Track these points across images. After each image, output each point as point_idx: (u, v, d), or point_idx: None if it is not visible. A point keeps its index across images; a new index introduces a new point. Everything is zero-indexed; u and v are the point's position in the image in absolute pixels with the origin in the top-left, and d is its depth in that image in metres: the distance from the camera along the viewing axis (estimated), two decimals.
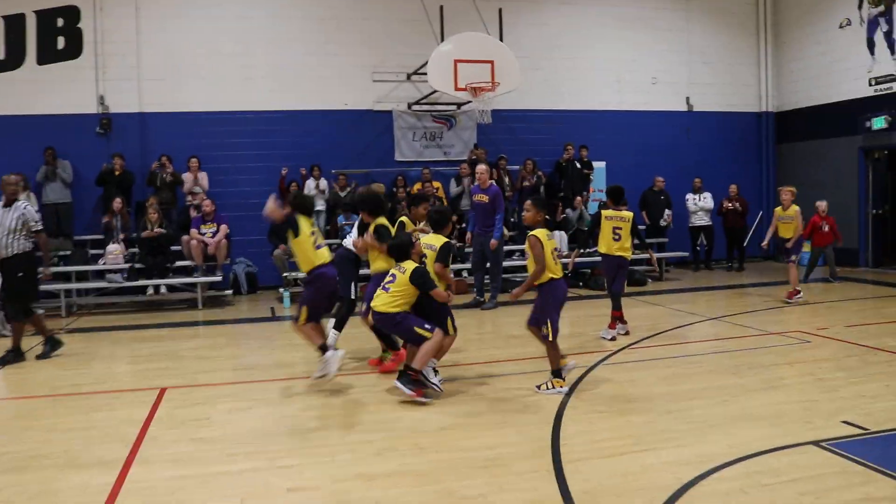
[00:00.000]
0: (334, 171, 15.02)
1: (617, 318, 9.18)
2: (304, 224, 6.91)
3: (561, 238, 14.58)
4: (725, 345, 8.59)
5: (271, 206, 6.86)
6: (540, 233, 6.59)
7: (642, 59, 17.43)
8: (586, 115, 16.98)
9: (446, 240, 7.05)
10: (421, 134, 16.18)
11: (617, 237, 9.11)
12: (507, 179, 15.44)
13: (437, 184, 15.27)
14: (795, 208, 11.56)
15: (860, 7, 16.07)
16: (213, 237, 13.01)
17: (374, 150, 15.77)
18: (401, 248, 6.86)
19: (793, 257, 11.62)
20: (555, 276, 6.61)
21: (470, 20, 14.03)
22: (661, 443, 5.21)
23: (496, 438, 5.43)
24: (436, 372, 6.80)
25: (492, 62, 13.12)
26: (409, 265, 6.68)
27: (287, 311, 12.43)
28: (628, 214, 9.18)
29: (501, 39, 13.79)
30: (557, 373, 6.67)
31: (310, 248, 6.92)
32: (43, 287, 12.81)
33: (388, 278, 6.77)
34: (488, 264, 11.96)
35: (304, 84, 15.30)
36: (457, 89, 13.07)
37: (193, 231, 13.00)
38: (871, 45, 15.88)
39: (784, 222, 11.69)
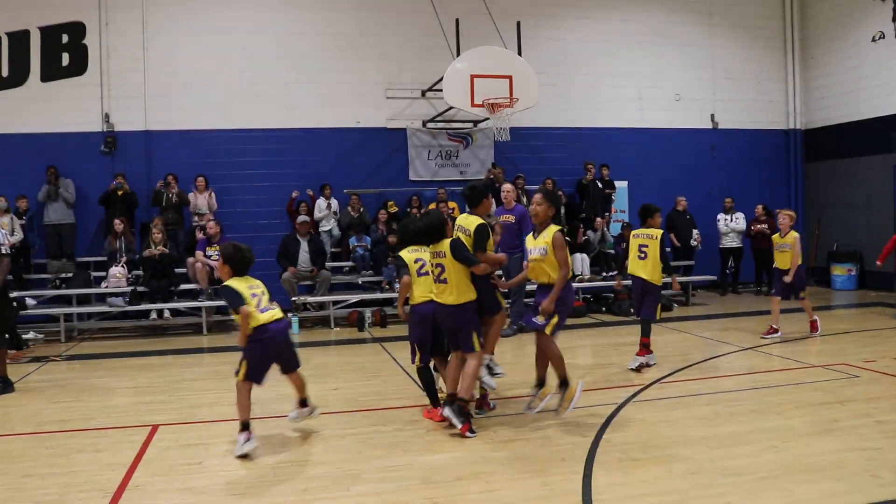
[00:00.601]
0: (346, 191, 14.52)
1: (645, 345, 8.53)
2: (243, 288, 5.74)
3: (583, 261, 13.96)
4: (765, 379, 7.91)
5: (219, 265, 6.05)
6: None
7: (665, 75, 16.87)
8: (607, 132, 16.45)
9: (482, 221, 6.30)
10: (436, 153, 15.65)
11: (642, 255, 8.48)
12: (524, 200, 14.86)
13: (452, 204, 14.72)
14: (794, 235, 10.21)
15: (894, 19, 15.44)
16: (218, 259, 12.46)
17: (387, 169, 15.27)
18: (432, 230, 6.20)
19: (802, 294, 10.27)
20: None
21: (487, 35, 13.51)
22: (709, 499, 4.56)
23: (519, 491, 4.81)
24: (490, 370, 6.51)
25: (510, 77, 12.60)
26: (446, 244, 6.08)
27: (295, 336, 11.87)
28: (657, 232, 8.51)
29: (520, 54, 13.25)
30: (565, 383, 6.11)
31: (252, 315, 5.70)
32: (42, 311, 12.41)
33: (436, 270, 6.16)
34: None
35: (314, 101, 14.85)
36: (473, 105, 12.56)
37: (199, 253, 12.48)
38: None
39: (781, 251, 10.30)
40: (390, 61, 15.13)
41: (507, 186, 11.27)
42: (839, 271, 16.24)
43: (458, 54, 12.99)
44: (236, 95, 14.47)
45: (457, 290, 6.06)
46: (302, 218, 13.26)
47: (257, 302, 5.72)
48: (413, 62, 15.06)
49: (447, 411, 6.08)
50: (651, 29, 16.81)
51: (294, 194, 14.06)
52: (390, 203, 14.55)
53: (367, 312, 12.58)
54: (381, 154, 15.22)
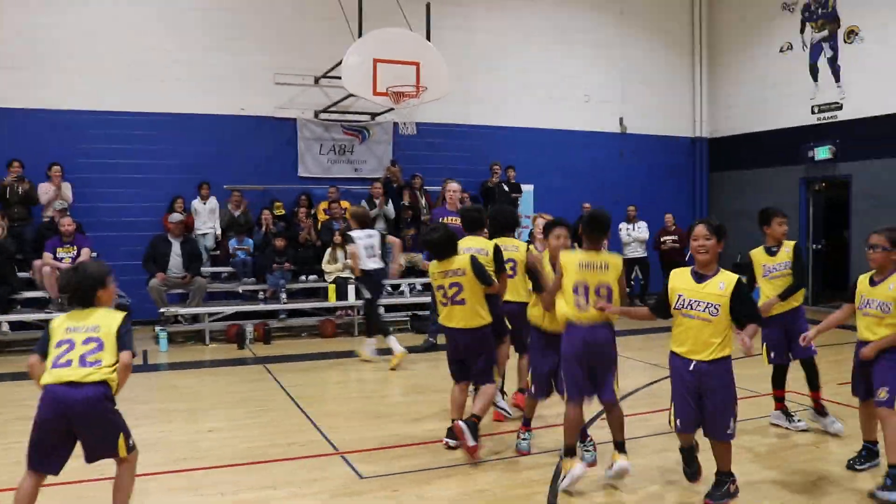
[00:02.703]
0: (227, 187, 12.90)
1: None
2: (60, 328, 4.04)
3: None
4: (763, 426, 6.59)
5: None
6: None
7: (574, 75, 16.06)
8: (513, 131, 15.46)
9: (494, 243, 6.11)
10: (329, 147, 14.19)
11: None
12: (423, 201, 13.74)
13: (345, 203, 13.31)
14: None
15: (802, 31, 15.19)
16: (72, 263, 10.63)
17: (274, 163, 13.70)
18: (447, 243, 5.72)
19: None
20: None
21: (392, 19, 12.12)
22: None
23: None
24: (503, 394, 6.63)
25: (417, 64, 11.35)
26: (464, 261, 5.66)
27: (163, 355, 10.22)
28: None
29: (429, 39, 12.02)
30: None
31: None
32: None
33: (451, 291, 5.67)
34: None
35: (195, 84, 13.08)
36: (376, 94, 11.22)
37: (47, 255, 10.56)
38: (814, 72, 15.01)
39: None
40: (282, 43, 13.53)
41: (452, 186, 10.19)
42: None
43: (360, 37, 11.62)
44: (103, 73, 12.49)
45: (473, 313, 5.68)
46: (175, 216, 11.58)
47: (62, 351, 3.92)
48: (307, 45, 13.51)
49: (462, 425, 5.49)
50: (562, 25, 15.92)
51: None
52: (278, 204, 13.05)
53: (249, 326, 11.04)
54: (267, 146, 13.62)
